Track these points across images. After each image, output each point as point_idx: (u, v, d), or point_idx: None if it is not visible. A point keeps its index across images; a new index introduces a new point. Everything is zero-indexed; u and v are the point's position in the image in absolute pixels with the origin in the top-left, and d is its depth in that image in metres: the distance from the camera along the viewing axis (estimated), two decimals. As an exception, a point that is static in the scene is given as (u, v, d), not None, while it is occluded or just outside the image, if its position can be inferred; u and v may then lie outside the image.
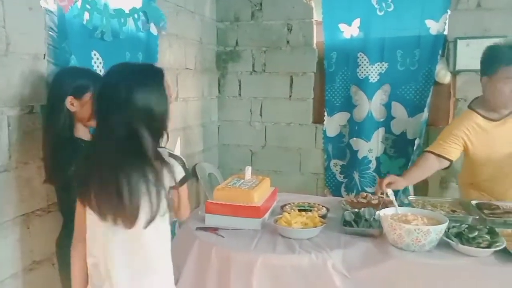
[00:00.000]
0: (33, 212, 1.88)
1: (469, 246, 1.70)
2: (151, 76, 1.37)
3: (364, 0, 3.48)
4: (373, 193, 2.46)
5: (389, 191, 2.09)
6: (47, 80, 1.87)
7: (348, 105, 3.70)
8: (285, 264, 1.73)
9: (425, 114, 3.44)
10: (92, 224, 1.40)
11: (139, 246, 1.39)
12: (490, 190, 2.46)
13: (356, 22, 3.54)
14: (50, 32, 1.93)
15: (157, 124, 1.35)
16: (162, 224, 1.42)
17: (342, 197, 3.38)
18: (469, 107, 2.53)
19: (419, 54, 3.45)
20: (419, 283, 1.67)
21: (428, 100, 3.44)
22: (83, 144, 1.74)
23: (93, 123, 1.75)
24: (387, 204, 2.16)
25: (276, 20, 3.83)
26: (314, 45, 3.81)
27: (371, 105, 3.61)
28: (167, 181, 1.36)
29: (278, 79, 3.90)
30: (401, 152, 3.62)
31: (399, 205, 2.00)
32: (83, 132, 1.79)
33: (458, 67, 3.45)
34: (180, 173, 1.41)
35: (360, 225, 1.98)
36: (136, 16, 2.41)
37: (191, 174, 3.31)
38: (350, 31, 3.57)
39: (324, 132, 3.80)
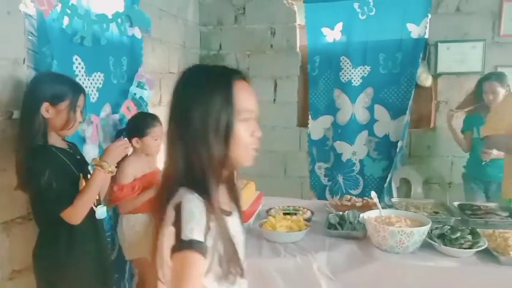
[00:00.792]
0: (13, 220, 1.84)
1: (452, 247, 1.73)
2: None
3: (347, 4, 3.52)
4: (357, 196, 2.48)
5: (373, 194, 2.11)
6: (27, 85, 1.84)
7: (332, 109, 3.72)
8: (270, 268, 1.73)
9: (407, 117, 3.49)
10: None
11: None
12: None
13: (339, 26, 3.57)
14: (30, 37, 1.90)
15: None
16: None
17: (327, 199, 3.40)
18: None
19: (401, 57, 3.50)
20: (403, 285, 1.69)
21: (410, 102, 3.49)
22: (57, 152, 1.69)
23: (67, 132, 1.74)
24: (371, 206, 2.18)
25: (259, 24, 3.84)
26: (298, 49, 3.83)
27: (354, 108, 3.64)
28: None
29: (262, 83, 3.90)
30: (384, 154, 3.66)
31: (382, 207, 2.02)
32: (56, 140, 1.73)
33: (439, 70, 3.51)
34: None
35: (344, 227, 1.99)
36: (119, 20, 2.38)
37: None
38: (333, 35, 3.61)
39: (309, 135, 3.82)
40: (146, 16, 2.58)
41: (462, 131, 3.21)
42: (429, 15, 3.39)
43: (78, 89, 1.76)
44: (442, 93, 3.58)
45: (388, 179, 3.55)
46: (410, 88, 3.50)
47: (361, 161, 3.71)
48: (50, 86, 1.68)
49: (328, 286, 1.71)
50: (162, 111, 3.09)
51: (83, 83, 2.17)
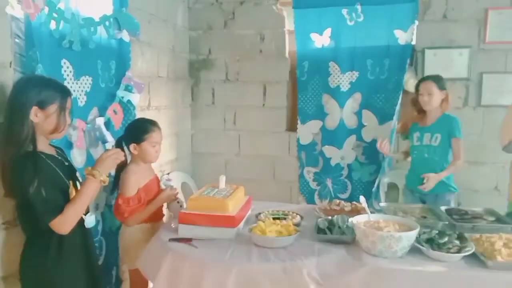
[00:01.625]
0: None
1: (440, 251, 1.74)
2: None
3: (335, 10, 3.55)
4: (346, 200, 2.49)
5: (361, 198, 2.12)
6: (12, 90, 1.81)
7: (321, 113, 3.74)
8: (260, 273, 1.73)
9: (394, 122, 3.52)
10: None
11: None
12: None
13: (327, 31, 3.60)
14: (17, 40, 1.87)
15: None
16: None
17: (316, 204, 3.41)
18: None
19: (388, 63, 3.54)
20: (392, 289, 1.69)
21: (397, 108, 3.52)
22: (47, 159, 1.66)
23: (57, 135, 1.72)
24: (359, 211, 2.19)
25: (248, 29, 3.85)
26: (287, 54, 3.85)
27: (342, 113, 3.66)
28: None
29: (252, 87, 3.91)
30: (372, 159, 3.68)
31: (371, 212, 2.03)
32: (44, 146, 1.70)
33: (426, 76, 3.54)
34: None
35: (333, 232, 1.99)
36: (107, 23, 2.37)
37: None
38: (322, 40, 3.63)
39: (298, 140, 3.83)
40: (134, 19, 2.57)
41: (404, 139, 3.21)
42: (416, 22, 3.43)
43: (65, 91, 1.73)
44: (429, 99, 3.62)
45: (376, 183, 3.57)
46: (398, 93, 3.53)
47: (349, 165, 3.73)
48: (38, 89, 1.64)
49: (317, 291, 1.70)
50: (150, 115, 3.08)
51: (71, 86, 2.15)
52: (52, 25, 1.98)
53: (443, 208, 2.37)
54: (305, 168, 3.86)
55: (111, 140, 2.40)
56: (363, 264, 1.74)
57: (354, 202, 2.42)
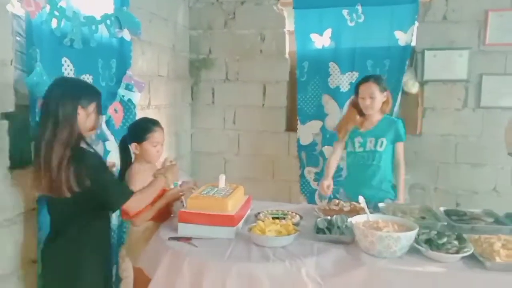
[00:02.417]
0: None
1: (439, 252, 1.74)
2: None
3: (336, 11, 3.55)
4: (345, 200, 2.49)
5: (361, 198, 2.12)
6: (15, 87, 1.82)
7: (320, 114, 3.75)
8: (259, 272, 1.72)
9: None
10: None
11: None
12: None
13: (328, 32, 3.60)
14: (18, 38, 1.88)
15: None
16: None
17: (316, 204, 3.41)
18: None
19: (388, 64, 3.54)
20: (391, 289, 1.70)
21: (397, 109, 3.53)
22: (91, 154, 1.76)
23: (92, 133, 1.83)
24: (358, 211, 2.20)
25: (249, 29, 3.85)
26: (287, 54, 3.85)
27: (342, 114, 3.66)
28: None
29: (252, 87, 3.92)
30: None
31: (369, 212, 2.03)
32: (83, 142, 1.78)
33: (426, 77, 3.57)
34: None
35: (332, 232, 2.00)
36: (108, 22, 2.37)
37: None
38: (322, 41, 3.64)
39: (298, 140, 3.83)
40: (135, 18, 2.57)
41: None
42: (417, 23, 3.44)
43: (99, 92, 1.86)
44: (429, 100, 3.63)
45: (375, 184, 3.57)
46: (397, 94, 3.53)
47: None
48: (80, 89, 1.77)
49: (316, 291, 1.71)
50: (150, 114, 3.08)
51: (71, 85, 2.15)
52: (54, 23, 1.98)
53: (442, 209, 2.37)
54: (305, 168, 3.86)
55: (111, 139, 2.40)
56: (362, 264, 1.74)
57: (353, 202, 2.42)
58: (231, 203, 2.06)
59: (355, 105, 2.70)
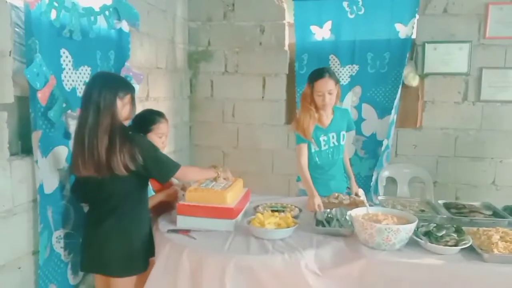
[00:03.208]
0: (-2, 214, 1.81)
1: (437, 244, 1.75)
2: None
3: (336, 2, 3.54)
4: (348, 193, 2.48)
5: (360, 192, 2.12)
6: (14, 79, 1.81)
7: (320, 107, 3.73)
8: (258, 264, 1.73)
9: (393, 116, 3.52)
10: None
11: None
12: None
13: (328, 24, 3.59)
14: (16, 29, 1.86)
15: None
16: None
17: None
18: None
19: (388, 57, 3.53)
20: (390, 281, 1.70)
21: (397, 102, 3.52)
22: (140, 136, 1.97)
23: (126, 122, 1.92)
24: (358, 204, 2.20)
25: (248, 21, 3.83)
26: (286, 46, 3.83)
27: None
28: None
29: (251, 80, 3.90)
30: (371, 153, 3.69)
31: (369, 206, 2.03)
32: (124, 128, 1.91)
33: (426, 70, 3.56)
34: None
35: (332, 225, 2.00)
36: (107, 13, 2.35)
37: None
38: (322, 33, 3.62)
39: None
40: (134, 10, 2.55)
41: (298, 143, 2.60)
42: (417, 16, 3.43)
43: (133, 86, 2.02)
44: (429, 93, 3.63)
45: (374, 177, 3.58)
46: (397, 87, 3.53)
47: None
48: (117, 82, 1.93)
49: (315, 283, 1.71)
50: (149, 106, 3.07)
51: (70, 76, 2.15)
52: (53, 14, 1.96)
53: (441, 202, 2.38)
54: (304, 161, 3.85)
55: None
56: (361, 257, 1.75)
57: (353, 196, 2.42)
58: (230, 195, 2.07)
59: (311, 101, 2.52)
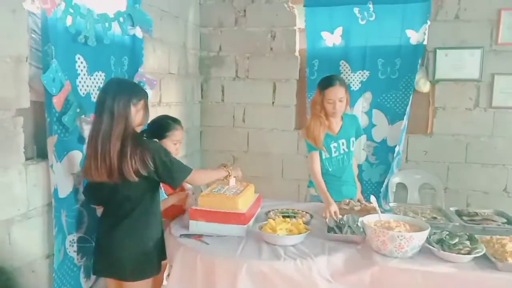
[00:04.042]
0: (13, 218, 1.83)
1: (450, 252, 1.74)
2: None
3: (347, 9, 3.54)
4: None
5: (372, 198, 2.12)
6: (30, 84, 1.84)
7: (330, 112, 3.73)
8: (270, 270, 1.74)
9: (404, 122, 3.51)
10: None
11: None
12: None
13: (339, 30, 3.59)
14: (33, 35, 1.89)
15: None
16: None
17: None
18: None
19: (399, 63, 3.53)
20: (402, 289, 1.70)
21: (408, 108, 3.51)
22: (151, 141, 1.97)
23: (139, 128, 1.94)
24: (369, 211, 2.20)
25: (259, 27, 3.85)
26: (297, 52, 3.84)
27: (353, 113, 3.65)
28: None
29: (261, 85, 3.92)
30: (382, 159, 3.68)
31: (380, 211, 2.03)
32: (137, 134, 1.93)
33: (437, 76, 3.54)
34: None
35: (343, 231, 2.00)
36: (121, 19, 2.38)
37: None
38: (333, 39, 3.62)
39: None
40: (147, 16, 2.58)
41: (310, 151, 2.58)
42: (429, 22, 3.41)
43: (146, 92, 2.03)
44: (440, 99, 3.61)
45: (384, 183, 3.57)
46: (408, 93, 3.52)
47: (359, 166, 3.71)
48: (131, 88, 1.94)
49: (327, 289, 1.71)
50: (161, 111, 3.10)
51: (85, 82, 2.17)
52: (68, 20, 1.99)
53: (452, 209, 2.37)
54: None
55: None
56: (373, 264, 1.75)
57: (364, 202, 2.42)
58: (241, 201, 2.08)
59: (321, 109, 2.53)
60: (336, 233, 2.00)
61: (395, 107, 3.60)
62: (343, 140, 2.61)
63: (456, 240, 1.80)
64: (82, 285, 2.20)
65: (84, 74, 2.17)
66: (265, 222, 2.04)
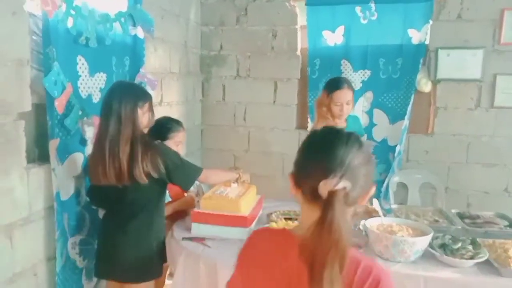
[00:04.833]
0: (15, 222, 1.82)
1: (453, 257, 1.75)
2: None
3: (348, 8, 3.52)
4: None
5: (374, 201, 2.12)
6: (32, 87, 1.83)
7: (331, 112, 3.72)
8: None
9: (406, 122, 3.50)
10: None
11: None
12: None
13: (340, 29, 3.57)
14: (34, 37, 1.88)
15: None
16: None
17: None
18: None
19: (401, 62, 3.51)
20: (405, 294, 1.70)
21: (409, 108, 3.51)
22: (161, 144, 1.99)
23: (144, 130, 1.95)
24: (371, 213, 2.19)
25: (261, 26, 3.83)
26: (298, 51, 3.83)
27: (354, 112, 3.64)
28: None
29: (263, 84, 3.90)
30: (382, 158, 3.66)
31: (383, 214, 2.03)
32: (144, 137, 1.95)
33: (438, 76, 3.53)
34: None
35: (346, 235, 1.99)
36: (123, 19, 2.37)
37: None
38: (334, 38, 3.61)
39: (308, 138, 3.81)
40: (149, 16, 2.57)
41: None
42: (431, 21, 3.40)
43: (150, 94, 2.04)
44: (441, 99, 3.60)
45: (385, 183, 3.57)
46: (410, 93, 3.51)
47: (359, 165, 3.72)
48: (136, 91, 1.97)
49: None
50: (163, 111, 3.09)
51: (86, 83, 2.16)
52: (69, 22, 1.98)
53: (454, 211, 2.37)
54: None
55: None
56: (376, 268, 1.75)
57: (366, 204, 2.41)
58: (244, 203, 2.08)
59: (327, 110, 2.55)
60: (338, 236, 1.99)
61: (396, 107, 3.59)
62: None
63: (459, 244, 1.80)
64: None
65: (86, 76, 2.16)
66: (268, 225, 2.04)
